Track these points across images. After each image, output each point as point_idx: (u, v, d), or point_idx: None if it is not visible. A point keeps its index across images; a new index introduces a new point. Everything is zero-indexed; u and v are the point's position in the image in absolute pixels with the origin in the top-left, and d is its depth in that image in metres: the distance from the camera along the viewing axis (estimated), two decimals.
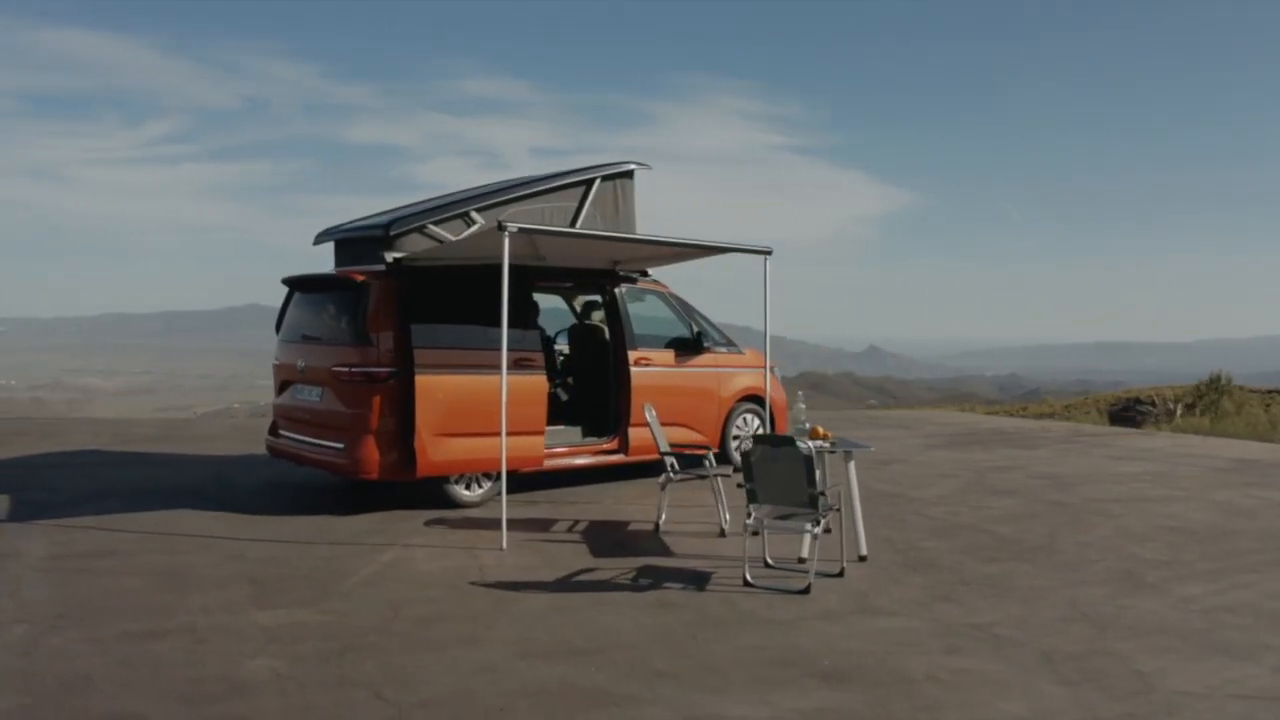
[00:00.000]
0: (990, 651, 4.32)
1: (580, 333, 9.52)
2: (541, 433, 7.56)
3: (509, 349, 7.32)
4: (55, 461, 8.98)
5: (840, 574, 5.60)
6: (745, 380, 9.43)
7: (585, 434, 8.50)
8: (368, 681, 3.85)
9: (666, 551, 6.17)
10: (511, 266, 7.73)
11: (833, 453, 6.13)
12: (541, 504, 7.62)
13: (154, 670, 3.91)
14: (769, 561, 5.82)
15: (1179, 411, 15.27)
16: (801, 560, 5.87)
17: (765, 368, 8.71)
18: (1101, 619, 4.80)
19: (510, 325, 7.47)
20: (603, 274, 8.66)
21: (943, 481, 9.02)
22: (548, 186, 7.88)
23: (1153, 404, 16.17)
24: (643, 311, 9.15)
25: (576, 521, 7.01)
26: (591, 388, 8.93)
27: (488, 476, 7.45)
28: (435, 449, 6.90)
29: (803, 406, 6.43)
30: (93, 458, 9.29)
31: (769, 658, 4.20)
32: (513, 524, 6.75)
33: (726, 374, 9.20)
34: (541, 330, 9.69)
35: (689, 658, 4.19)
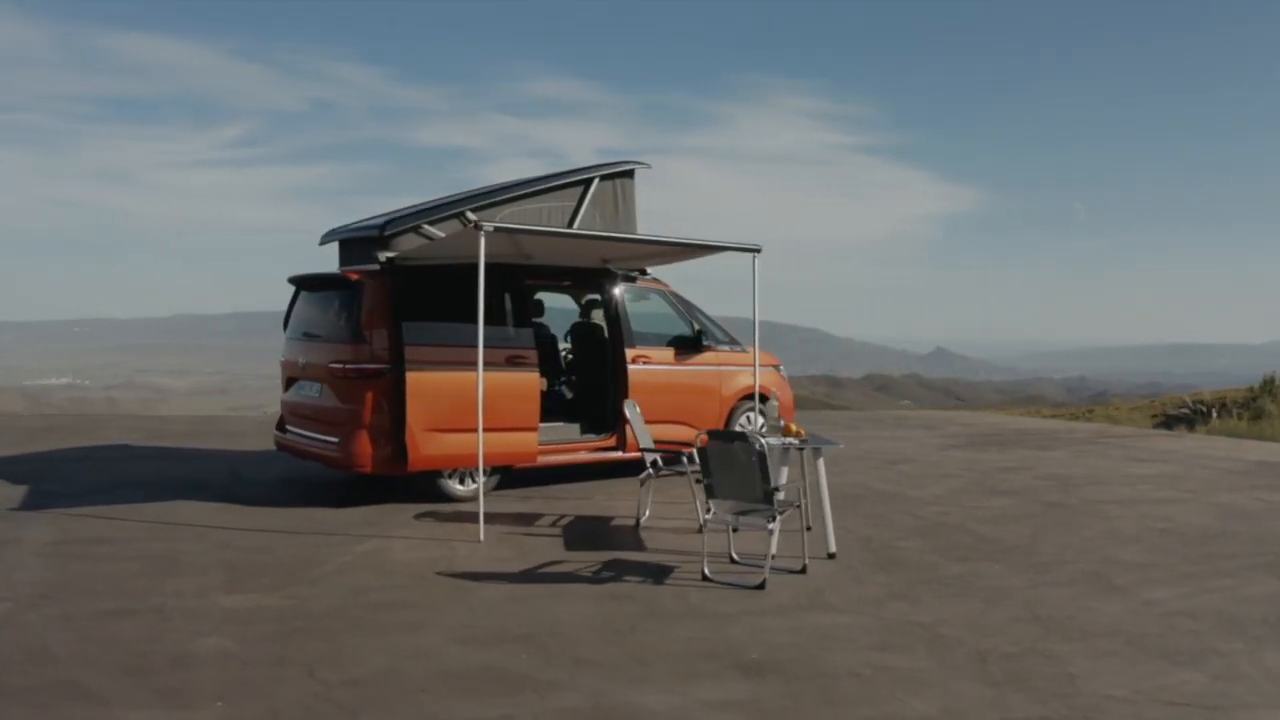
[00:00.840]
0: (925, 650, 4.31)
1: (581, 330, 9.67)
2: (534, 429, 7.72)
3: (502, 346, 7.56)
4: (81, 455, 9.49)
5: (803, 570, 5.63)
6: (749, 379, 9.47)
7: (584, 430, 8.63)
8: (305, 660, 4.05)
9: (639, 546, 6.27)
10: (506, 265, 7.96)
11: (801, 449, 6.14)
12: (535, 499, 7.78)
13: (112, 646, 4.17)
14: (734, 557, 5.87)
15: (1215, 413, 14.73)
16: (771, 556, 5.91)
17: (755, 365, 8.67)
18: (1053, 620, 4.74)
19: (503, 323, 7.68)
20: (601, 273, 8.78)
21: (944, 481, 8.92)
22: (545, 186, 8.03)
23: (1205, 408, 15.61)
24: (643, 310, 9.25)
25: (562, 516, 7.15)
26: (591, 385, 9.07)
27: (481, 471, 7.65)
28: (426, 444, 7.10)
29: (774, 404, 6.45)
30: (119, 452, 9.79)
31: (699, 650, 4.27)
32: (499, 518, 6.95)
33: (729, 372, 9.23)
34: (546, 327, 9.91)
35: (620, 647, 4.29)
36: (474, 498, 7.55)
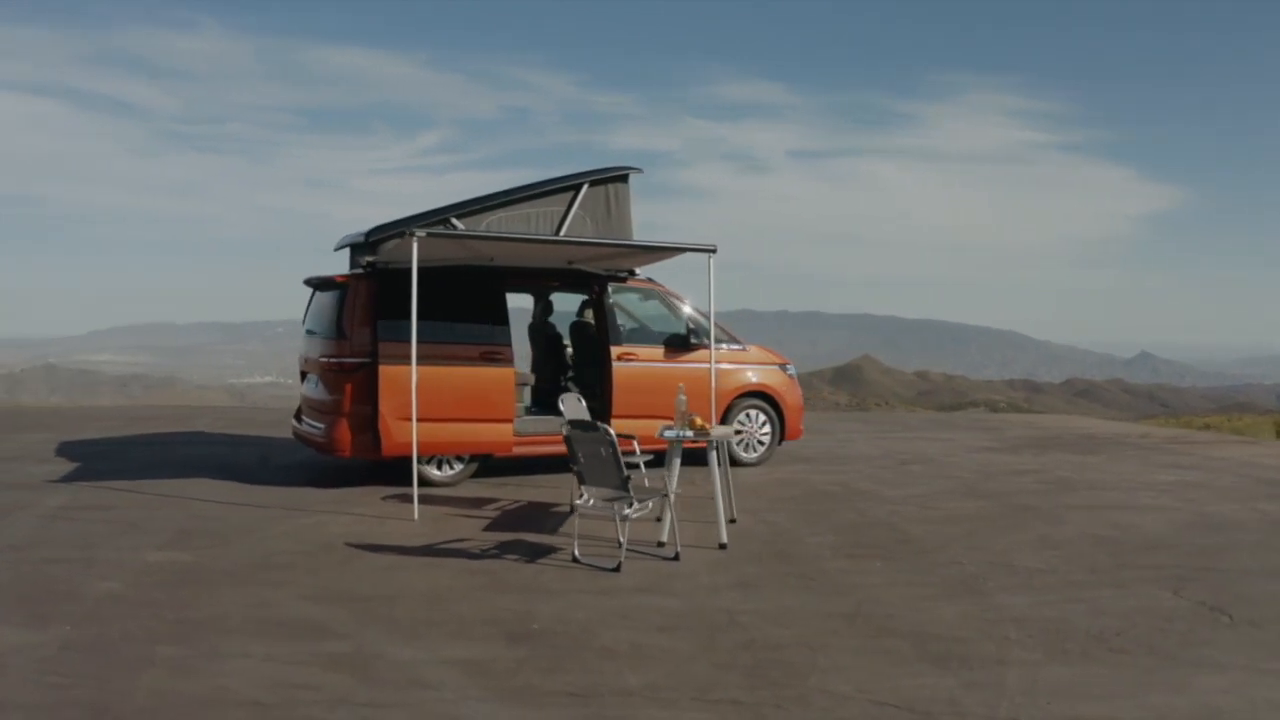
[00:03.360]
0: (701, 635, 4.42)
1: (576, 329, 10.11)
2: (509, 420, 8.25)
3: (478, 343, 8.18)
4: (151, 440, 10.83)
5: (675, 558, 5.81)
6: (746, 376, 9.59)
7: None
8: (162, 602, 4.78)
9: (553, 530, 6.61)
10: (486, 267, 8.56)
11: (696, 442, 6.29)
12: (509, 485, 8.30)
13: (30, 583, 5.09)
14: (621, 542, 6.11)
15: None
16: (660, 544, 6.13)
17: (712, 364, 8.69)
18: (866, 618, 4.68)
19: (480, 321, 8.30)
20: (589, 274, 9.19)
21: (935, 482, 8.63)
22: (534, 193, 8.52)
23: None
24: (634, 309, 9.58)
25: (515, 502, 7.62)
26: (585, 381, 9.49)
27: (460, 459, 8.29)
28: (399, 431, 7.79)
29: (684, 399, 6.62)
30: (188, 438, 11.10)
31: (492, 618, 4.62)
32: (455, 500, 7.55)
33: (724, 370, 9.36)
34: (553, 326, 10.42)
35: (427, 612, 4.71)
36: (452, 484, 8.21)
